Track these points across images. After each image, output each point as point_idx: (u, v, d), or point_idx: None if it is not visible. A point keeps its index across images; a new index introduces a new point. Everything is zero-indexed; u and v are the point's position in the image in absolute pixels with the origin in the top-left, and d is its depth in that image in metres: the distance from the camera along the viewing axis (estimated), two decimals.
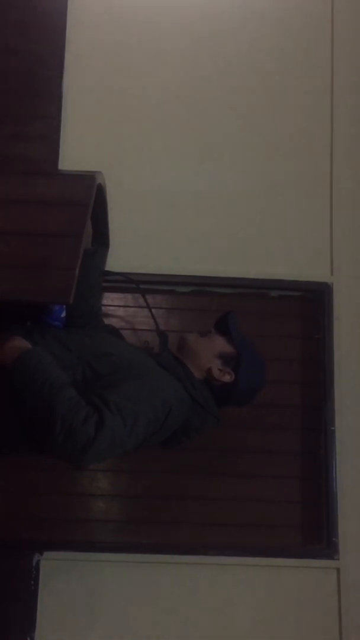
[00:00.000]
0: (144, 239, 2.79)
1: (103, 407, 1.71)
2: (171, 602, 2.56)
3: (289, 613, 2.59)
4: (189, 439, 2.01)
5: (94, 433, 1.66)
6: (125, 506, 2.66)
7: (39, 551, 2.53)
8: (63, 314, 2.13)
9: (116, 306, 2.77)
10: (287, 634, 2.58)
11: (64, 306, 2.11)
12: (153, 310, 2.36)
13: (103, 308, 2.60)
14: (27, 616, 2.47)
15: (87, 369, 1.87)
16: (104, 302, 2.69)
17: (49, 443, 1.68)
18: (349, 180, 2.91)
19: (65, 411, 1.67)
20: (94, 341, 2.00)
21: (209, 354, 2.01)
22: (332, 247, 2.85)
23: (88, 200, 1.91)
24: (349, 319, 2.80)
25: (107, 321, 2.47)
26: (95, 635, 2.53)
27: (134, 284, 2.41)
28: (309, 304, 2.84)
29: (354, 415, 2.72)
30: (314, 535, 2.67)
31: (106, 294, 2.72)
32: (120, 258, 2.61)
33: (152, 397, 1.80)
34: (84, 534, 2.62)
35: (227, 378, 2.00)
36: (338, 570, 2.61)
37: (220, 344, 2.03)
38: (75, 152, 2.82)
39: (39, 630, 2.49)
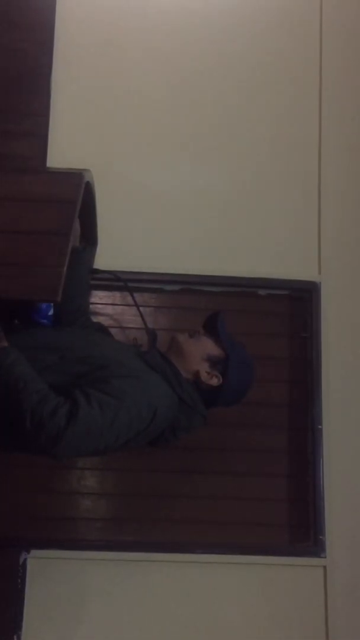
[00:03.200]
0: (132, 237, 2.79)
1: (81, 399, 1.71)
2: (158, 600, 2.56)
3: (276, 611, 2.60)
4: (176, 438, 2.00)
5: (65, 424, 1.67)
6: (113, 504, 2.66)
7: (25, 549, 2.52)
8: (51, 312, 2.12)
9: (104, 304, 2.77)
10: (275, 631, 2.58)
11: (52, 304, 2.10)
12: (141, 308, 2.35)
13: (91, 306, 2.60)
14: (14, 614, 2.47)
15: (70, 368, 1.86)
16: (92, 300, 2.69)
17: (23, 437, 1.70)
18: (337, 180, 2.93)
19: (34, 404, 1.68)
20: (78, 341, 1.99)
21: (197, 356, 1.99)
22: (320, 246, 2.86)
23: (76, 198, 1.90)
24: (337, 318, 2.81)
25: (95, 319, 2.46)
26: (82, 634, 2.53)
27: (122, 282, 2.41)
28: (297, 303, 2.85)
29: (340, 414, 2.74)
30: (301, 533, 2.68)
31: (94, 292, 2.72)
32: (109, 256, 2.60)
33: (136, 396, 1.79)
34: (71, 533, 2.62)
35: (214, 381, 1.98)
36: (325, 568, 2.62)
37: (208, 346, 2.01)
38: (64, 150, 2.81)
39: (25, 628, 2.48)
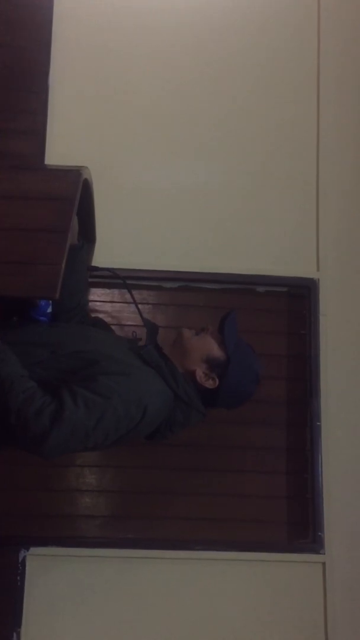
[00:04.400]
0: (130, 234, 2.79)
1: (67, 399, 1.71)
2: (157, 597, 2.57)
3: (275, 607, 2.60)
4: (173, 434, 1.99)
5: (50, 424, 1.67)
6: (112, 502, 2.66)
7: (25, 547, 2.52)
8: (49, 309, 2.12)
9: (102, 302, 2.77)
10: (274, 627, 2.59)
11: (50, 301, 2.10)
12: (139, 305, 2.35)
13: (90, 304, 2.60)
14: (13, 611, 2.47)
15: (61, 364, 1.86)
16: (91, 297, 2.68)
17: (13, 435, 1.71)
18: (336, 177, 2.93)
19: (20, 403, 1.69)
20: (70, 337, 1.98)
21: (197, 356, 1.96)
22: (318, 242, 2.86)
23: (74, 195, 1.90)
24: (335, 315, 2.81)
25: (93, 316, 2.46)
26: (81, 631, 2.53)
27: (121, 279, 2.41)
28: (295, 300, 2.85)
29: (339, 411, 2.74)
30: (300, 530, 2.69)
31: (93, 290, 2.72)
32: (107, 253, 2.60)
33: (125, 395, 1.78)
34: (71, 530, 2.62)
35: (210, 383, 1.95)
36: (324, 564, 2.62)
37: (210, 346, 1.97)
38: (62, 148, 2.81)
39: (25, 625, 2.49)
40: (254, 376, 2.02)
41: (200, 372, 1.94)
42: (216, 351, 1.97)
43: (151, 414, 1.83)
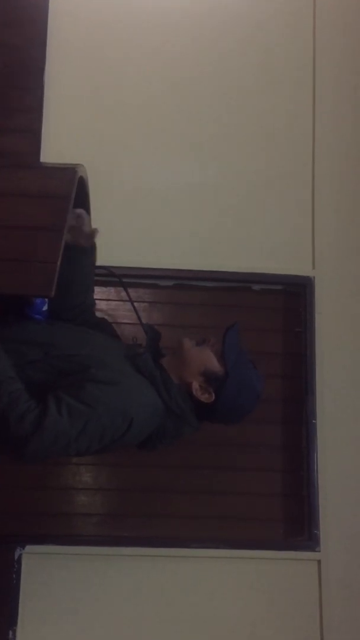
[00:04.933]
0: (126, 232, 2.79)
1: (52, 406, 1.68)
2: (153, 594, 2.57)
3: (271, 604, 2.61)
4: (163, 445, 1.93)
5: (32, 429, 1.65)
6: (107, 499, 2.66)
7: (20, 545, 2.53)
8: (45, 308, 2.11)
9: (98, 300, 2.74)
10: (270, 624, 2.59)
11: (46, 300, 2.10)
12: (135, 304, 2.33)
13: None
14: (9, 610, 2.47)
15: (53, 366, 1.82)
16: None
17: None
18: (331, 175, 2.93)
19: (4, 405, 1.66)
20: (66, 338, 1.94)
21: (195, 368, 1.89)
22: (314, 241, 2.87)
23: (69, 193, 1.89)
24: (331, 313, 2.82)
25: None
26: (77, 629, 2.53)
27: (117, 277, 2.40)
28: (291, 298, 2.86)
29: (335, 409, 2.74)
30: (296, 528, 2.69)
31: None
32: (103, 251, 2.57)
33: (111, 405, 1.74)
34: (66, 528, 2.63)
35: (205, 397, 1.87)
36: (319, 562, 2.63)
37: (209, 359, 1.90)
38: (57, 146, 2.81)
39: (21, 623, 2.49)
40: (252, 393, 1.93)
41: (196, 385, 1.88)
42: (214, 365, 1.89)
43: (138, 424, 1.79)
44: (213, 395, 1.88)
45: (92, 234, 2.11)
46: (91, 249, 2.16)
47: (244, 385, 1.91)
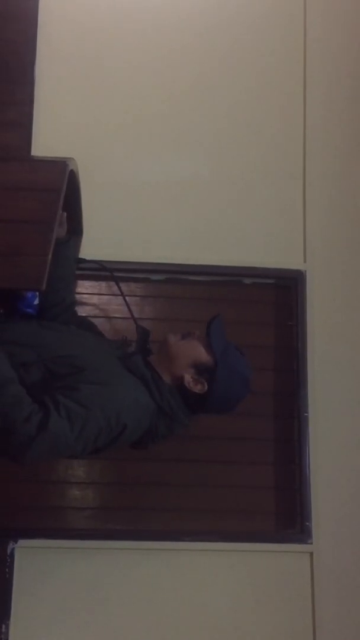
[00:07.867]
0: (117, 226, 2.79)
1: (51, 409, 1.69)
2: (146, 588, 2.58)
3: (263, 597, 2.61)
4: (154, 444, 1.96)
5: (35, 433, 1.65)
6: (100, 493, 2.66)
7: (13, 539, 2.53)
8: (36, 301, 2.12)
9: (90, 294, 2.76)
10: (262, 617, 2.60)
11: (37, 293, 2.10)
12: (127, 298, 2.34)
13: (77, 296, 2.59)
14: (2, 604, 2.47)
15: (46, 368, 1.83)
16: (78, 290, 2.68)
17: None
18: (322, 169, 2.93)
19: (7, 408, 1.66)
20: (58, 340, 1.95)
21: (184, 361, 1.91)
22: (305, 234, 2.87)
23: (60, 186, 1.90)
24: (322, 306, 2.82)
25: (81, 309, 2.45)
26: (70, 623, 2.53)
27: (108, 271, 2.40)
28: (283, 291, 2.86)
29: (326, 402, 2.75)
30: (288, 520, 2.70)
31: (80, 282, 2.71)
32: (94, 245, 2.60)
33: (106, 406, 1.75)
34: (59, 522, 2.63)
35: (199, 388, 1.90)
36: (311, 554, 2.64)
37: (197, 351, 1.92)
38: (48, 140, 2.80)
39: (13, 618, 2.49)
40: (243, 379, 1.96)
41: (188, 378, 1.90)
42: (203, 355, 1.92)
43: (131, 425, 1.81)
44: (206, 385, 1.90)
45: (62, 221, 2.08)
46: (68, 245, 2.13)
47: (234, 372, 1.93)
